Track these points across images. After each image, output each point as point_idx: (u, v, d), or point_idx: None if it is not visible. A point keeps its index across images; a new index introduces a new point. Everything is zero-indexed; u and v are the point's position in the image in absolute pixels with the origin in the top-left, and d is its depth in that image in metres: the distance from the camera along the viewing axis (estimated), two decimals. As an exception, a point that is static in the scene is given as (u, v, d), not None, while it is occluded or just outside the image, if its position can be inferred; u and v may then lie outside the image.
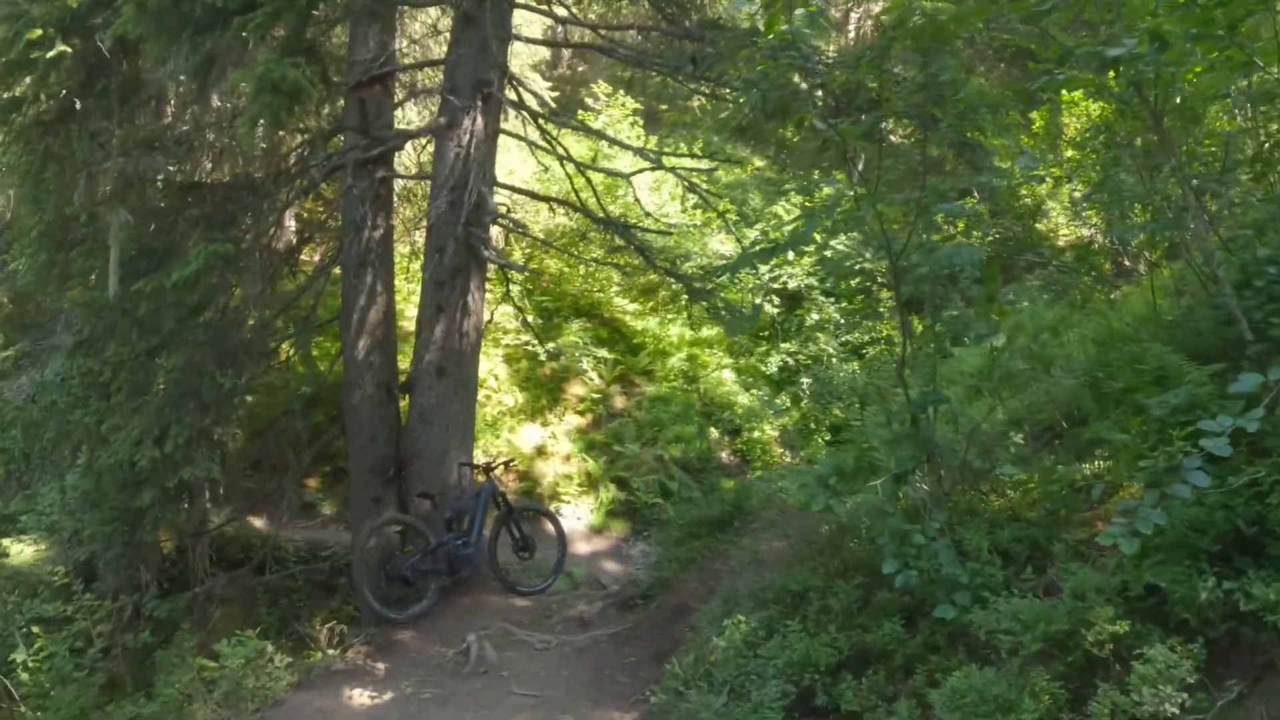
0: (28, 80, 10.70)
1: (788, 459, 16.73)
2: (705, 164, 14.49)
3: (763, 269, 17.74)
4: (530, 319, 16.50)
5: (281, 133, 13.32)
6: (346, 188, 11.22)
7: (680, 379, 17.44)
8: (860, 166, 7.16)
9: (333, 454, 14.14)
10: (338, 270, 12.09)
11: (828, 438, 16.71)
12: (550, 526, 12.10)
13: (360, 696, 8.72)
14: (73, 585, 10.71)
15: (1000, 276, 7.44)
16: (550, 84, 21.39)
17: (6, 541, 12.90)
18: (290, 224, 16.07)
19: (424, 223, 12.50)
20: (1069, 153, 15.05)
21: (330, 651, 9.74)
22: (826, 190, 15.12)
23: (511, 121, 13.75)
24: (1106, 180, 8.73)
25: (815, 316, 18.23)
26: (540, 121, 13.11)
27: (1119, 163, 8.61)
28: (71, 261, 11.32)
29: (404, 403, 11.70)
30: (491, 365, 16.53)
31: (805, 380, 17.68)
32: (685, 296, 16.17)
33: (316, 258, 16.05)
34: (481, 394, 14.56)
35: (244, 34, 9.09)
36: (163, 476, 10.16)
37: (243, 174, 12.67)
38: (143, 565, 11.97)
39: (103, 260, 10.98)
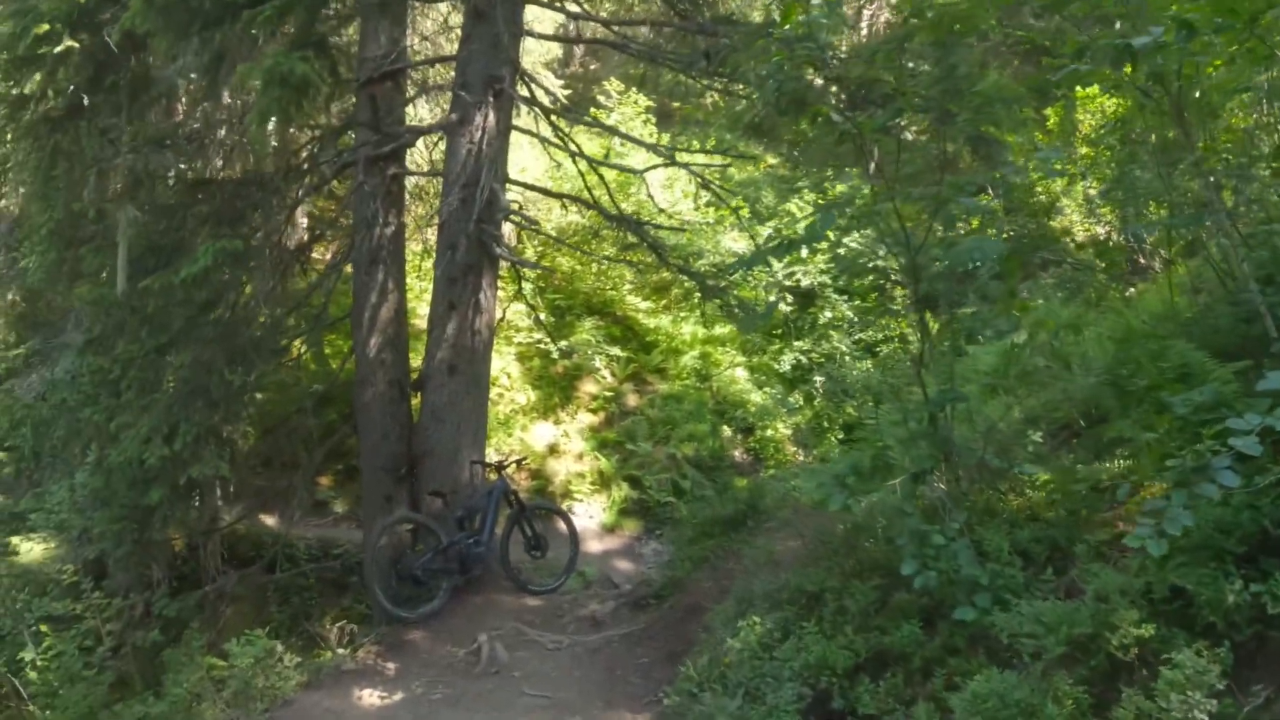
0: (37, 76, 10.66)
1: (801, 457, 16.66)
2: (718, 160, 14.39)
3: (777, 267, 17.65)
4: (542, 317, 16.42)
5: (292, 129, 13.27)
6: (358, 184, 11.15)
7: (693, 377, 17.36)
8: (874, 163, 7.07)
9: (344, 452, 14.09)
10: (349, 268, 12.04)
11: (841, 436, 16.67)
12: (562, 525, 12.04)
13: (370, 697, 8.64)
14: (82, 583, 10.66)
15: (1021, 272, 7.33)
16: (562, 82, 21.27)
17: (16, 539, 12.86)
18: (302, 222, 16.04)
19: (436, 220, 12.42)
20: (1083, 149, 14.93)
21: (340, 651, 9.66)
22: (840, 187, 15.10)
23: (524, 118, 13.68)
24: (1122, 177, 8.64)
25: (828, 314, 18.12)
26: (552, 118, 13.04)
27: (1135, 159, 8.52)
28: (81, 259, 11.31)
29: (416, 400, 11.64)
30: (504, 363, 16.48)
31: (818, 378, 17.63)
32: (698, 294, 16.13)
33: (328, 256, 16.00)
34: (494, 392, 14.51)
35: (253, 29, 9.03)
36: (172, 474, 10.13)
37: (253, 171, 12.62)
38: (153, 563, 11.95)
39: (112, 258, 10.95)
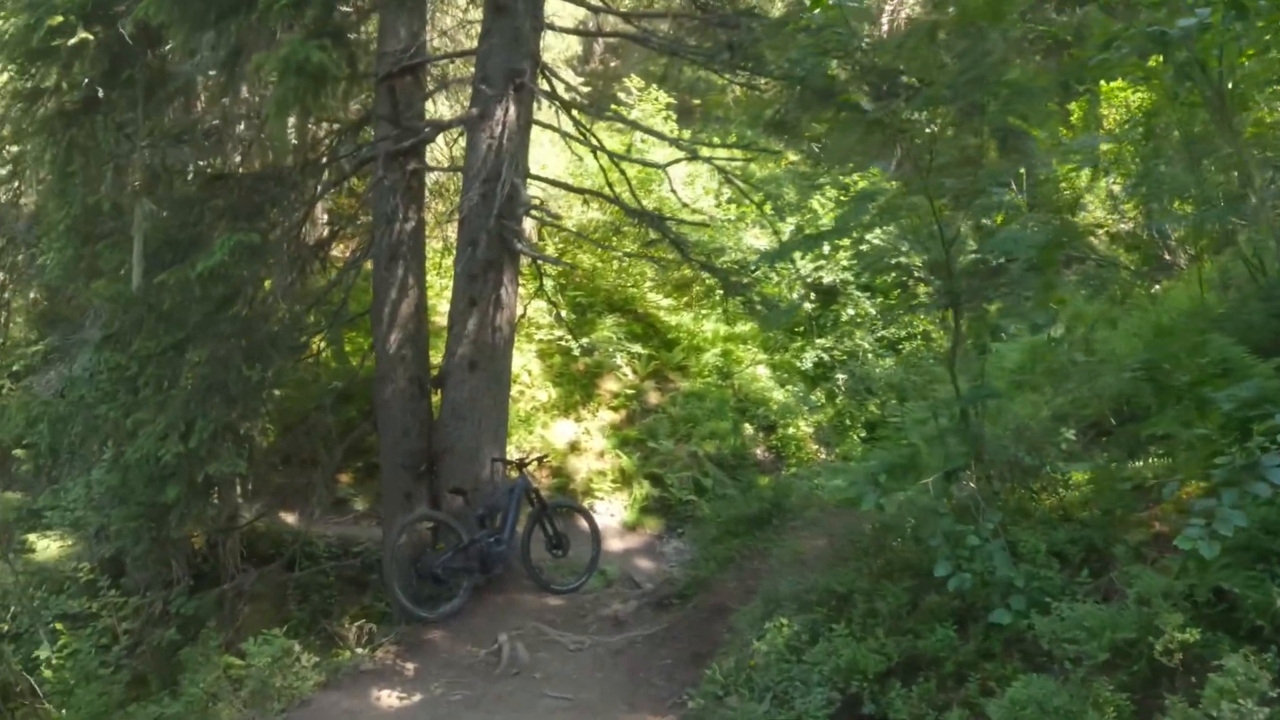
0: (53, 70, 10.59)
1: (823, 455, 16.59)
2: (740, 155, 14.26)
3: (803, 264, 17.53)
4: (563, 314, 16.35)
5: (311, 124, 13.21)
6: (377, 179, 11.06)
7: (714, 374, 17.27)
8: (904, 154, 6.93)
9: (365, 449, 14.02)
10: (369, 264, 11.97)
11: (863, 435, 16.63)
12: (584, 523, 11.94)
13: (389, 697, 8.53)
14: (99, 581, 10.60)
15: (1057, 265, 7.18)
16: (582, 79, 21.20)
17: (33, 537, 12.82)
18: (321, 218, 15.99)
19: (456, 217, 12.34)
20: (1105, 145, 14.78)
21: (359, 650, 9.56)
22: (862, 183, 14.98)
23: (544, 113, 13.57)
24: (1149, 172, 8.50)
25: (851, 311, 18.00)
26: (573, 112, 12.93)
27: (1160, 153, 8.38)
28: (99, 255, 11.24)
29: (436, 398, 11.54)
30: (524, 360, 16.39)
31: (840, 376, 17.52)
32: (720, 291, 15.99)
33: (348, 252, 15.96)
34: (514, 389, 14.41)
35: (269, 20, 8.92)
36: (189, 471, 10.06)
37: (271, 166, 12.56)
38: (172, 561, 11.89)
39: (129, 253, 10.89)
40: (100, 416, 10.61)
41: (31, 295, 16.48)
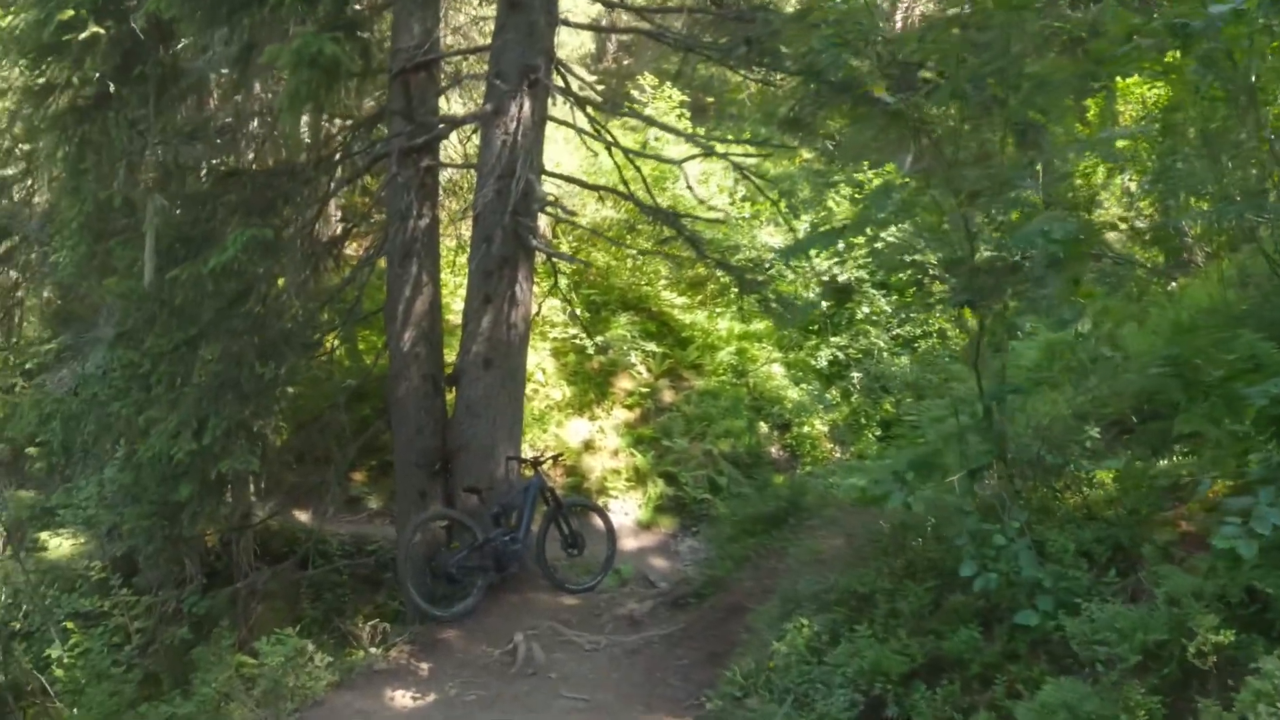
0: (64, 66, 10.54)
1: (838, 454, 16.53)
2: (755, 151, 14.18)
3: (819, 261, 17.48)
4: (578, 312, 16.31)
5: (324, 120, 13.16)
6: (391, 176, 11.00)
7: (729, 373, 17.22)
8: (913, 153, 6.84)
9: (379, 447, 13.98)
10: (383, 261, 11.92)
11: (878, 433, 16.55)
12: (599, 522, 11.87)
13: (402, 698, 8.46)
14: (111, 580, 10.56)
15: (1085, 259, 7.07)
16: (596, 77, 21.13)
17: (45, 535, 12.81)
18: (335, 215, 15.96)
19: (469, 215, 12.28)
20: (1120, 143, 14.66)
21: (373, 650, 9.48)
22: (877, 180, 14.89)
23: (559, 109, 13.50)
24: (1166, 169, 8.39)
25: (866, 310, 17.94)
26: (588, 109, 12.86)
27: (1178, 149, 8.28)
28: (111, 252, 11.20)
29: (450, 395, 11.47)
30: (539, 358, 16.35)
31: (856, 374, 17.46)
32: (734, 289, 15.92)
33: (361, 250, 15.92)
34: (529, 387, 14.35)
35: (282, 13, 8.86)
36: (201, 469, 10.03)
37: (284, 163, 12.52)
38: (185, 559, 11.87)
39: (141, 250, 10.85)
40: (113, 414, 10.58)
41: (45, 293, 16.48)
